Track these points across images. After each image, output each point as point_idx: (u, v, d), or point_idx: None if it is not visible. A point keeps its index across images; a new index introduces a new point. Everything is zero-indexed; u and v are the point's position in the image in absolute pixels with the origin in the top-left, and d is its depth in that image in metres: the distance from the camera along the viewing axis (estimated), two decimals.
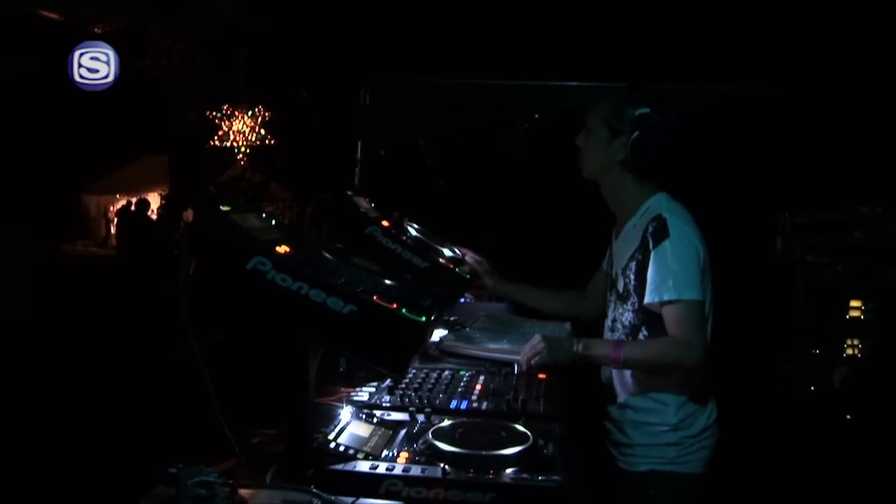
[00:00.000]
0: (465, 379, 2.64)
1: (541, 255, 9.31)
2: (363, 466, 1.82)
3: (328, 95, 5.02)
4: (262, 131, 12.46)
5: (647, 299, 2.45)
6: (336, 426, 2.02)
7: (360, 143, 5.12)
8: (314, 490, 1.69)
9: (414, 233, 3.09)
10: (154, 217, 18.80)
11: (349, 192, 2.99)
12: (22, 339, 8.51)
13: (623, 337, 2.60)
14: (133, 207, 17.20)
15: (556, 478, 1.78)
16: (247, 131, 12.42)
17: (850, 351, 5.50)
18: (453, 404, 2.36)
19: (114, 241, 19.21)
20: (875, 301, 5.50)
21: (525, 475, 1.79)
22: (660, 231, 2.45)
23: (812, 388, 5.34)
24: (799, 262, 5.43)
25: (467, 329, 3.29)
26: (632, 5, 3.66)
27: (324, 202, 2.73)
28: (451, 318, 3.46)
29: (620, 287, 2.63)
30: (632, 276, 2.55)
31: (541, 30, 3.92)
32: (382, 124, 5.11)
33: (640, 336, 2.55)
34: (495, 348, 2.93)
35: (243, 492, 1.64)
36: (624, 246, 2.65)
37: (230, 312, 1.84)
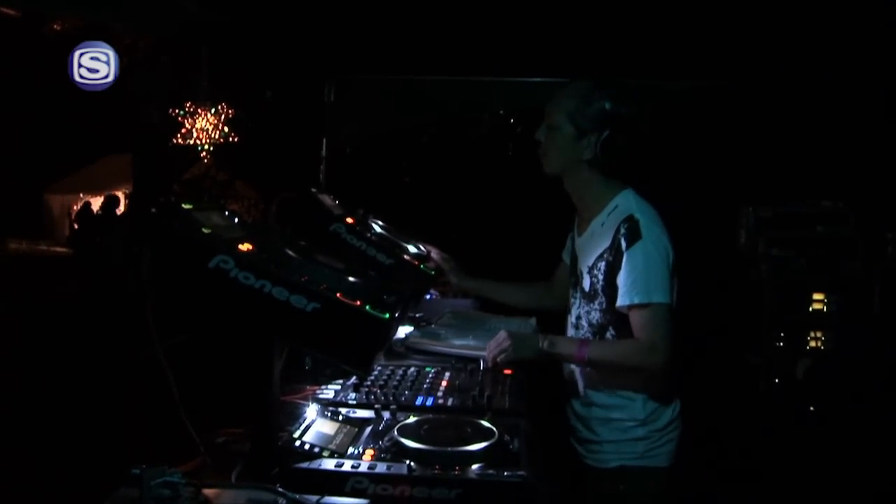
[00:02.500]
0: (430, 375, 2.64)
1: (506, 250, 9.34)
2: (328, 464, 1.82)
3: (292, 93, 4.99)
4: (226, 129, 12.37)
5: (618, 302, 2.44)
6: (301, 424, 2.01)
7: (324, 141, 5.10)
8: (279, 489, 1.68)
9: (378, 230, 3.08)
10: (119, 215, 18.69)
11: (313, 190, 2.98)
12: None
13: (588, 335, 2.59)
14: (99, 207, 17.09)
15: (521, 473, 1.78)
16: (210, 129, 12.32)
17: (813, 343, 5.58)
18: (419, 401, 2.37)
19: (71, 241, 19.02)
20: (837, 294, 5.58)
21: (491, 471, 1.80)
22: (632, 233, 2.42)
23: (776, 380, 5.40)
24: (762, 256, 5.50)
25: (433, 325, 3.29)
26: (595, 2, 3.67)
27: (288, 200, 2.72)
28: (417, 315, 3.46)
29: (586, 285, 2.60)
30: (600, 277, 2.52)
31: (505, 26, 3.92)
32: (347, 121, 5.09)
33: (607, 335, 2.54)
34: (461, 345, 2.93)
35: (208, 492, 1.63)
36: (590, 244, 2.61)
37: (193, 311, 1.82)
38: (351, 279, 1.86)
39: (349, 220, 2.83)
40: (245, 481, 1.81)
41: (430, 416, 2.18)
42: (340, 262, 2.08)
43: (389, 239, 3.05)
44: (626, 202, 2.54)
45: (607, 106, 2.50)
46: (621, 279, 2.43)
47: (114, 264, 11.68)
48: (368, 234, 2.85)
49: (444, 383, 2.56)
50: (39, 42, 11.30)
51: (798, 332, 5.56)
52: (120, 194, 19.42)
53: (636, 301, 2.39)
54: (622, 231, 2.44)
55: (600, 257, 2.52)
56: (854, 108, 4.92)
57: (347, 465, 1.80)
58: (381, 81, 5.05)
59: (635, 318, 2.42)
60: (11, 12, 4.48)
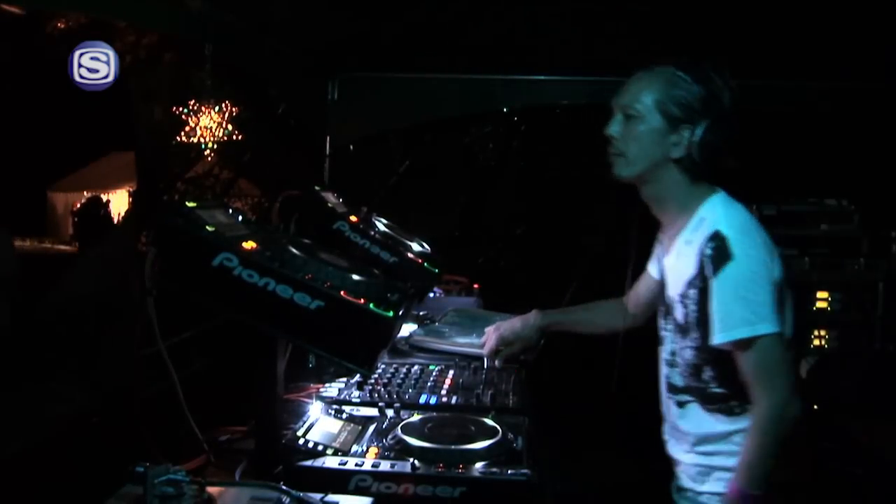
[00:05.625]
0: (434, 374, 2.65)
1: (508, 250, 9.35)
2: (332, 462, 1.82)
3: (296, 90, 4.99)
4: (230, 127, 12.37)
5: (714, 340, 2.04)
6: (305, 422, 2.02)
7: (328, 139, 5.10)
8: (283, 487, 1.68)
9: (382, 228, 3.08)
10: (116, 214, 18.71)
11: (317, 188, 2.98)
12: None
13: (685, 375, 2.20)
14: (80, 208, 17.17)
15: (525, 471, 1.78)
16: (214, 127, 12.32)
17: (817, 342, 5.57)
18: (422, 399, 2.37)
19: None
20: (842, 292, 5.57)
21: (494, 469, 1.80)
22: (720, 254, 2.02)
23: None
24: None
25: (436, 324, 3.29)
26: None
27: (292, 198, 2.73)
28: (420, 313, 3.46)
29: (679, 316, 2.20)
30: (692, 307, 2.13)
31: (510, 23, 3.92)
32: (351, 119, 5.10)
33: (705, 376, 2.14)
34: (464, 342, 2.94)
35: (211, 489, 1.63)
36: (678, 266, 2.21)
37: (197, 309, 1.82)
38: (355, 277, 1.86)
39: (353, 218, 2.84)
40: (249, 479, 1.81)
41: (434, 414, 2.19)
42: (344, 260, 2.08)
43: (393, 237, 3.05)
44: (712, 213, 2.14)
45: (704, 90, 2.11)
46: (714, 310, 2.04)
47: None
48: (372, 232, 2.85)
49: (447, 381, 2.56)
50: (43, 39, 11.31)
51: (802, 331, 5.56)
52: (124, 192, 19.48)
53: (737, 336, 2.00)
54: (707, 253, 2.05)
55: (690, 284, 2.13)
56: (858, 106, 4.91)
57: (351, 464, 1.80)
58: (386, 79, 5.05)
59: (742, 359, 2.03)
60: (15, 10, 4.48)
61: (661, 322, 2.33)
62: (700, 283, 2.08)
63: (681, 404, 2.24)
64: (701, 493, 2.23)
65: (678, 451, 2.30)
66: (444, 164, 9.84)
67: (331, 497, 1.68)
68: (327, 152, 5.10)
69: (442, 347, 2.96)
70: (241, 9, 3.53)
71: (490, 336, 2.72)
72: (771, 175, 6.72)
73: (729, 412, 2.14)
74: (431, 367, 2.72)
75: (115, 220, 18.29)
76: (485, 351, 2.72)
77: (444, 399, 2.38)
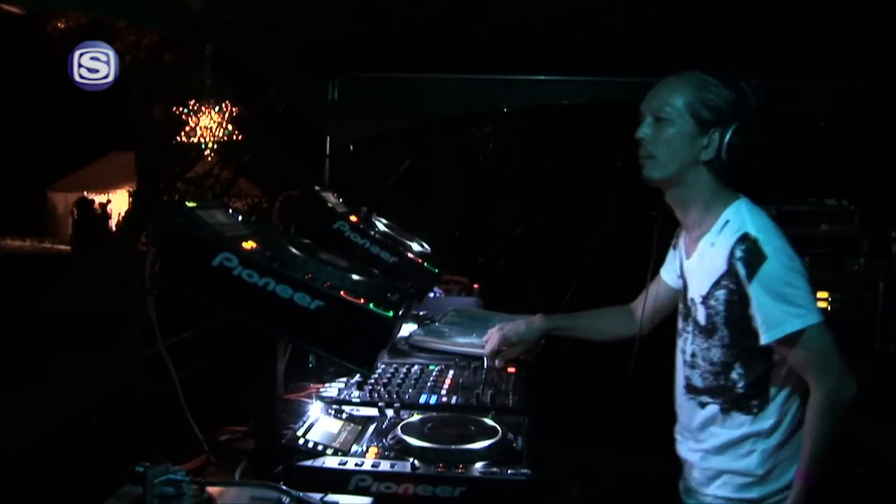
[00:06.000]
0: (434, 373, 2.64)
1: (509, 249, 9.35)
2: (332, 462, 1.82)
3: (296, 90, 4.99)
4: (230, 127, 12.37)
5: (764, 340, 2.06)
6: (305, 422, 2.01)
7: (328, 139, 5.11)
8: (283, 487, 1.68)
9: (382, 228, 3.08)
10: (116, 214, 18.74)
11: (317, 188, 2.98)
12: None
13: (708, 375, 2.23)
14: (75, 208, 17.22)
15: (525, 471, 1.78)
16: (214, 127, 12.32)
17: None
18: (422, 399, 2.36)
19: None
20: (842, 292, 5.57)
21: (494, 469, 1.79)
22: (754, 255, 2.06)
23: None
24: None
25: (436, 323, 3.29)
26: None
27: (292, 198, 2.73)
28: (420, 313, 3.46)
29: (702, 318, 2.22)
30: (720, 308, 2.15)
31: (508, 23, 3.91)
32: (351, 119, 5.10)
33: (733, 375, 2.18)
34: (464, 342, 2.93)
35: (211, 489, 1.63)
36: (702, 268, 2.23)
37: (197, 309, 1.82)
38: (355, 277, 1.86)
39: (353, 217, 2.84)
40: (249, 479, 1.81)
41: (434, 414, 2.18)
42: (344, 260, 2.08)
43: (393, 237, 3.05)
44: (737, 216, 2.18)
45: (733, 93, 2.14)
46: (757, 312, 2.07)
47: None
48: (372, 232, 2.85)
49: (447, 381, 2.56)
50: (43, 39, 11.32)
51: None
52: (124, 192, 19.49)
53: (788, 331, 2.04)
54: (738, 255, 2.08)
55: (717, 285, 2.15)
56: (858, 106, 4.91)
57: (351, 463, 1.80)
58: (386, 79, 5.05)
59: (795, 352, 2.07)
60: (15, 10, 4.49)
61: (681, 324, 2.36)
62: (731, 285, 2.11)
63: (702, 405, 2.26)
64: (706, 496, 2.27)
65: (689, 451, 2.33)
66: (444, 164, 9.83)
67: (331, 497, 1.69)
68: (327, 152, 5.11)
69: (442, 347, 2.96)
70: (241, 9, 3.54)
71: (493, 336, 2.72)
72: (771, 175, 6.72)
73: (749, 411, 2.18)
74: (431, 367, 2.72)
75: (115, 220, 18.33)
76: (486, 351, 2.72)
77: (444, 399, 2.37)
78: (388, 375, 2.58)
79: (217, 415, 2.21)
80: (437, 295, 4.08)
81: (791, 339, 2.05)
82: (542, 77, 4.99)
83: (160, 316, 1.80)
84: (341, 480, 1.76)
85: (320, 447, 1.88)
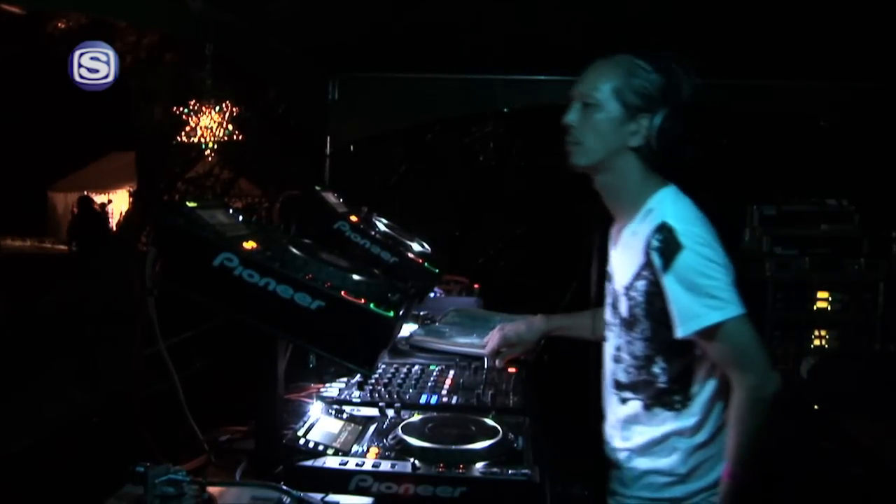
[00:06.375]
0: (434, 374, 2.65)
1: (508, 249, 9.35)
2: (332, 462, 1.82)
3: (296, 90, 4.99)
4: (230, 127, 12.37)
5: (679, 333, 1.99)
6: (305, 422, 2.01)
7: (328, 139, 5.11)
8: (283, 487, 1.68)
9: (382, 228, 3.08)
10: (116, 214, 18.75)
11: (318, 188, 2.98)
12: None
13: (632, 370, 2.17)
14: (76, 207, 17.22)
15: (525, 471, 1.78)
16: (214, 127, 12.32)
17: (817, 342, 5.57)
18: (423, 399, 2.37)
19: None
20: (842, 292, 5.58)
21: (495, 469, 1.80)
22: (669, 245, 1.98)
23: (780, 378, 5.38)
24: (767, 255, 5.49)
25: (437, 324, 3.30)
26: None
27: (292, 198, 2.73)
28: (421, 313, 3.46)
29: (624, 310, 2.17)
30: (641, 300, 2.09)
31: (508, 22, 3.91)
32: (351, 119, 5.10)
33: (656, 368, 2.11)
34: (465, 342, 2.94)
35: (212, 489, 1.63)
36: (624, 258, 2.17)
37: (198, 309, 1.82)
38: (355, 277, 1.86)
39: (353, 218, 2.84)
40: (249, 479, 1.81)
41: (434, 414, 2.18)
42: (344, 261, 2.08)
43: (393, 237, 3.05)
44: (660, 205, 2.09)
45: (663, 78, 2.06)
46: (673, 302, 2.00)
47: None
48: (372, 232, 2.85)
49: (448, 381, 2.56)
50: (43, 39, 11.32)
51: (802, 331, 5.56)
52: (124, 192, 19.49)
53: (704, 325, 1.95)
54: (654, 245, 2.01)
55: (637, 276, 2.09)
56: (859, 106, 4.91)
57: (351, 464, 1.80)
58: (386, 79, 5.05)
59: (713, 346, 2.00)
60: (16, 10, 4.49)
61: (609, 316, 2.29)
62: (650, 276, 2.04)
63: (624, 401, 2.22)
64: (629, 498, 2.22)
65: (615, 451, 2.27)
66: (444, 164, 9.84)
67: (331, 497, 1.69)
68: (327, 152, 5.11)
69: (442, 347, 2.97)
70: (241, 9, 3.53)
71: (493, 336, 2.73)
72: (771, 175, 6.73)
73: (671, 407, 2.12)
74: (432, 367, 2.73)
75: (116, 220, 18.34)
76: (486, 351, 2.72)
77: (445, 399, 2.38)
78: (389, 375, 2.59)
79: (218, 415, 2.21)
80: (438, 295, 4.09)
81: (709, 333, 1.97)
82: (542, 77, 4.99)
83: (161, 316, 1.80)
84: (342, 480, 1.76)
85: (321, 447, 1.88)
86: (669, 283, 1.99)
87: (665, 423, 2.13)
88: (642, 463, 2.18)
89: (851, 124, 5.61)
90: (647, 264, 2.04)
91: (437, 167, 9.77)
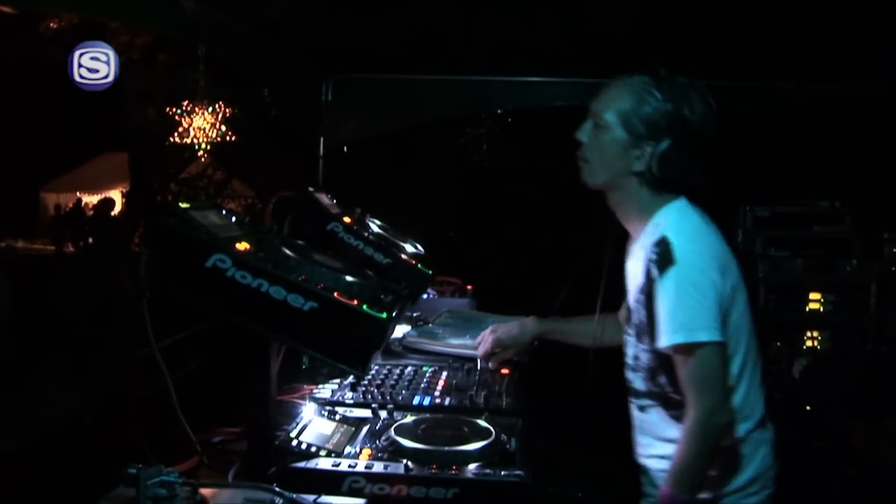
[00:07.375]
0: (427, 375, 2.65)
1: (506, 250, 9.34)
2: (325, 464, 1.82)
3: (290, 91, 4.99)
4: (223, 128, 12.35)
5: (657, 344, 2.02)
6: (298, 424, 2.01)
7: (322, 140, 5.10)
8: (276, 488, 1.68)
9: (376, 229, 3.08)
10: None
11: (311, 189, 2.98)
12: None
13: (644, 377, 2.18)
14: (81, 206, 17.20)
15: (518, 472, 1.78)
16: (207, 128, 12.29)
17: (809, 343, 5.59)
18: (416, 400, 2.37)
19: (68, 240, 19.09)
20: (834, 294, 5.59)
21: (487, 470, 1.80)
22: (663, 258, 1.99)
23: (772, 379, 5.40)
24: (759, 256, 5.51)
25: (430, 325, 3.29)
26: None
27: (285, 199, 2.73)
28: (414, 314, 3.46)
29: (635, 320, 2.18)
30: (643, 312, 2.11)
31: (503, 24, 3.92)
32: (344, 120, 5.10)
33: (662, 379, 2.11)
34: (458, 344, 2.94)
35: (204, 491, 1.63)
36: (634, 271, 2.21)
37: (191, 310, 1.82)
38: (348, 278, 1.86)
39: (346, 219, 2.84)
40: (242, 481, 1.81)
41: (427, 415, 2.18)
42: (338, 262, 2.08)
43: (387, 238, 3.05)
44: (665, 219, 2.12)
45: (671, 108, 2.06)
46: (657, 314, 2.01)
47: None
48: (366, 234, 2.85)
49: (441, 383, 2.56)
50: (36, 40, 11.29)
51: (795, 332, 5.58)
52: (117, 193, 19.45)
53: (675, 341, 1.97)
54: (652, 258, 2.03)
55: (642, 288, 2.11)
56: (851, 107, 4.93)
57: (344, 465, 1.80)
58: (379, 80, 5.06)
59: (678, 364, 2.01)
60: (7, 10, 4.48)
61: (626, 327, 2.30)
62: (647, 288, 2.06)
63: (642, 408, 2.22)
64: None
65: (643, 456, 2.27)
66: (438, 166, 9.83)
67: (324, 498, 1.69)
68: (321, 153, 5.10)
69: (435, 349, 2.96)
70: (234, 9, 3.53)
71: (486, 338, 2.72)
72: (764, 177, 6.74)
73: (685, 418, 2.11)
74: (425, 369, 2.72)
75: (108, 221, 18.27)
76: (479, 353, 2.72)
77: (438, 400, 2.38)
78: (382, 377, 2.59)
79: (210, 416, 2.21)
80: (431, 296, 4.08)
81: (679, 350, 1.98)
82: (536, 78, 4.99)
83: (154, 317, 1.79)
84: (335, 482, 1.76)
85: (314, 448, 1.88)
86: (657, 295, 2.01)
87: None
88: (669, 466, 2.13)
89: (844, 126, 5.63)
90: (648, 276, 2.05)
91: (431, 168, 9.76)
